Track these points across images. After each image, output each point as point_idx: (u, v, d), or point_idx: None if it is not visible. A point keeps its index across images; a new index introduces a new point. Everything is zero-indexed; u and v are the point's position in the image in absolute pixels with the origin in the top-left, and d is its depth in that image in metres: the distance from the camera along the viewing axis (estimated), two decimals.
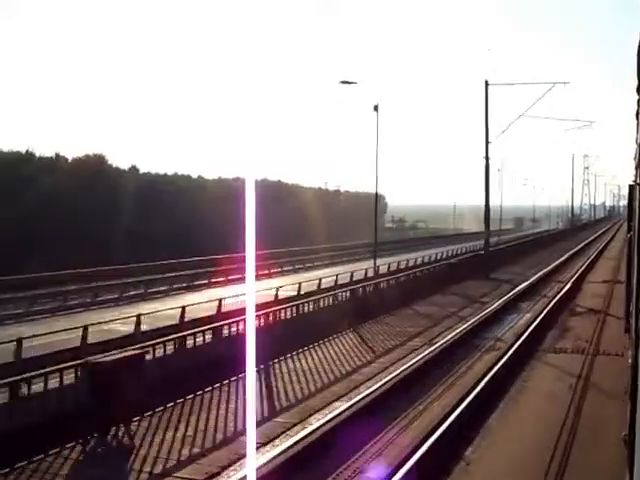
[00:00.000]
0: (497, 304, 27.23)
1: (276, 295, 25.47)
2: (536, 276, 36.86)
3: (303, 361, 17.77)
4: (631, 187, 19.26)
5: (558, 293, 29.72)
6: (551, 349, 19.72)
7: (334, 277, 31.37)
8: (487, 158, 36.74)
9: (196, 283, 33.70)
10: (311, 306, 24.16)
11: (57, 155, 60.91)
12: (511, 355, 18.20)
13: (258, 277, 31.88)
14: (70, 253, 41.52)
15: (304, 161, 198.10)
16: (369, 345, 19.83)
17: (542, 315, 24.13)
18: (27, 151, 58.48)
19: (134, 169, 65.89)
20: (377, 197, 33.95)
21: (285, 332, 20.53)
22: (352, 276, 32.00)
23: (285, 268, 41.60)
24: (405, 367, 17.02)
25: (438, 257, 47.97)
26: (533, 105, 36.36)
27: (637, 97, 9.42)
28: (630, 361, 10.63)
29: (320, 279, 28.91)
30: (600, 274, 38.68)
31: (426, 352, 18.67)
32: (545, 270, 40.15)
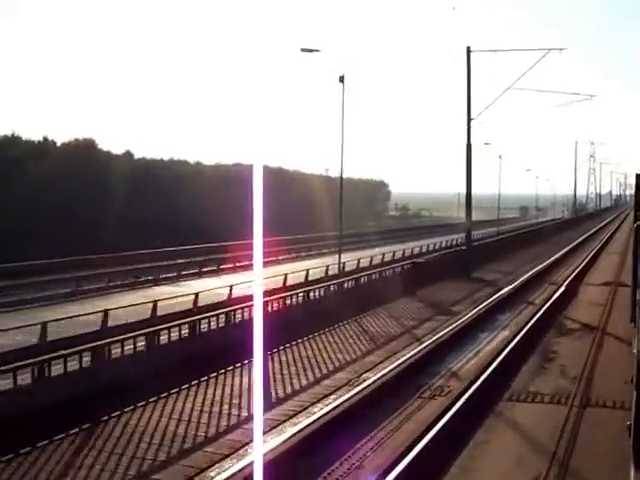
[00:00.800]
0: (469, 315, 20.55)
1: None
2: (527, 275, 29.85)
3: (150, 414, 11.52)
4: (638, 176, 16.67)
5: (548, 300, 22.94)
6: (522, 394, 13.11)
7: (295, 274, 25.07)
8: (469, 136, 29.78)
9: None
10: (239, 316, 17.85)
11: (45, 139, 55.89)
12: (460, 408, 11.76)
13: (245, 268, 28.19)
14: (60, 239, 37.28)
15: (301, 147, 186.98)
16: (270, 383, 13.39)
17: (521, 334, 17.57)
18: (12, 134, 53.45)
19: (128, 154, 60.83)
20: (342, 181, 27.10)
21: (168, 362, 14.29)
22: (307, 276, 25.48)
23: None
24: (297, 430, 10.69)
25: (429, 249, 41.48)
26: (525, 74, 29.33)
27: None
28: (636, 350, 9.54)
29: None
30: (601, 273, 31.71)
31: (341, 400, 12.29)
32: (540, 267, 33.08)
